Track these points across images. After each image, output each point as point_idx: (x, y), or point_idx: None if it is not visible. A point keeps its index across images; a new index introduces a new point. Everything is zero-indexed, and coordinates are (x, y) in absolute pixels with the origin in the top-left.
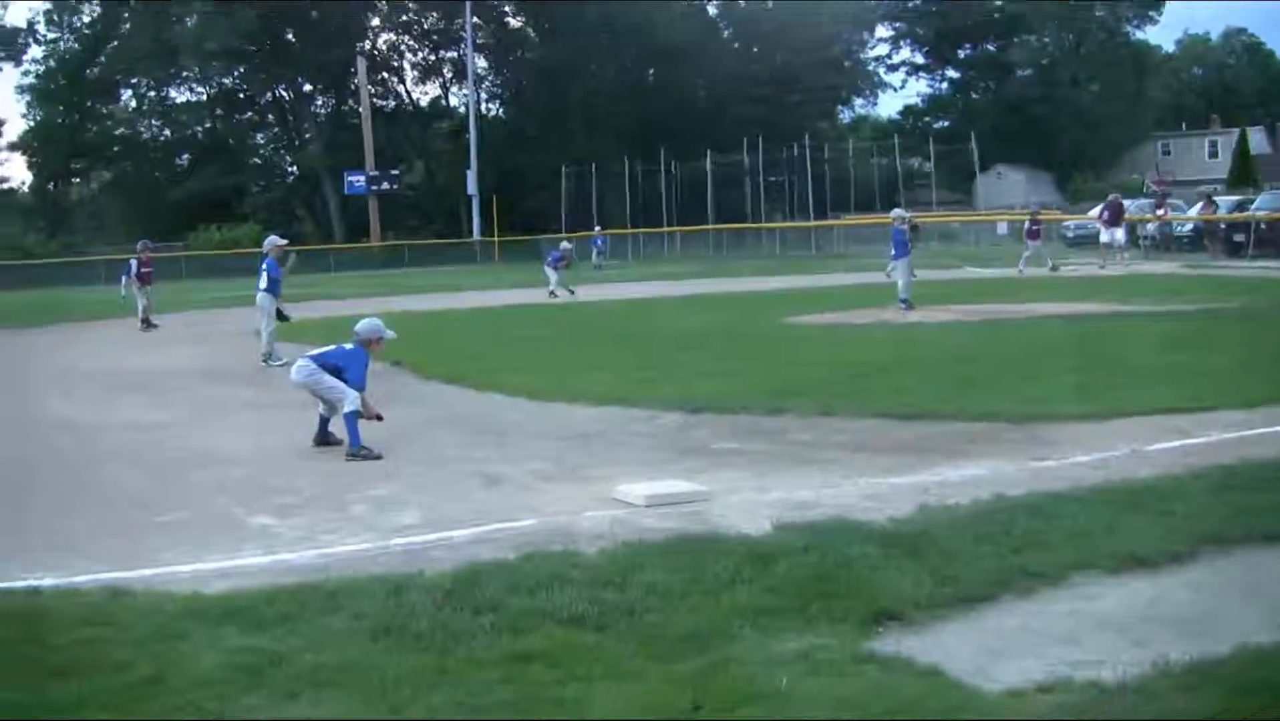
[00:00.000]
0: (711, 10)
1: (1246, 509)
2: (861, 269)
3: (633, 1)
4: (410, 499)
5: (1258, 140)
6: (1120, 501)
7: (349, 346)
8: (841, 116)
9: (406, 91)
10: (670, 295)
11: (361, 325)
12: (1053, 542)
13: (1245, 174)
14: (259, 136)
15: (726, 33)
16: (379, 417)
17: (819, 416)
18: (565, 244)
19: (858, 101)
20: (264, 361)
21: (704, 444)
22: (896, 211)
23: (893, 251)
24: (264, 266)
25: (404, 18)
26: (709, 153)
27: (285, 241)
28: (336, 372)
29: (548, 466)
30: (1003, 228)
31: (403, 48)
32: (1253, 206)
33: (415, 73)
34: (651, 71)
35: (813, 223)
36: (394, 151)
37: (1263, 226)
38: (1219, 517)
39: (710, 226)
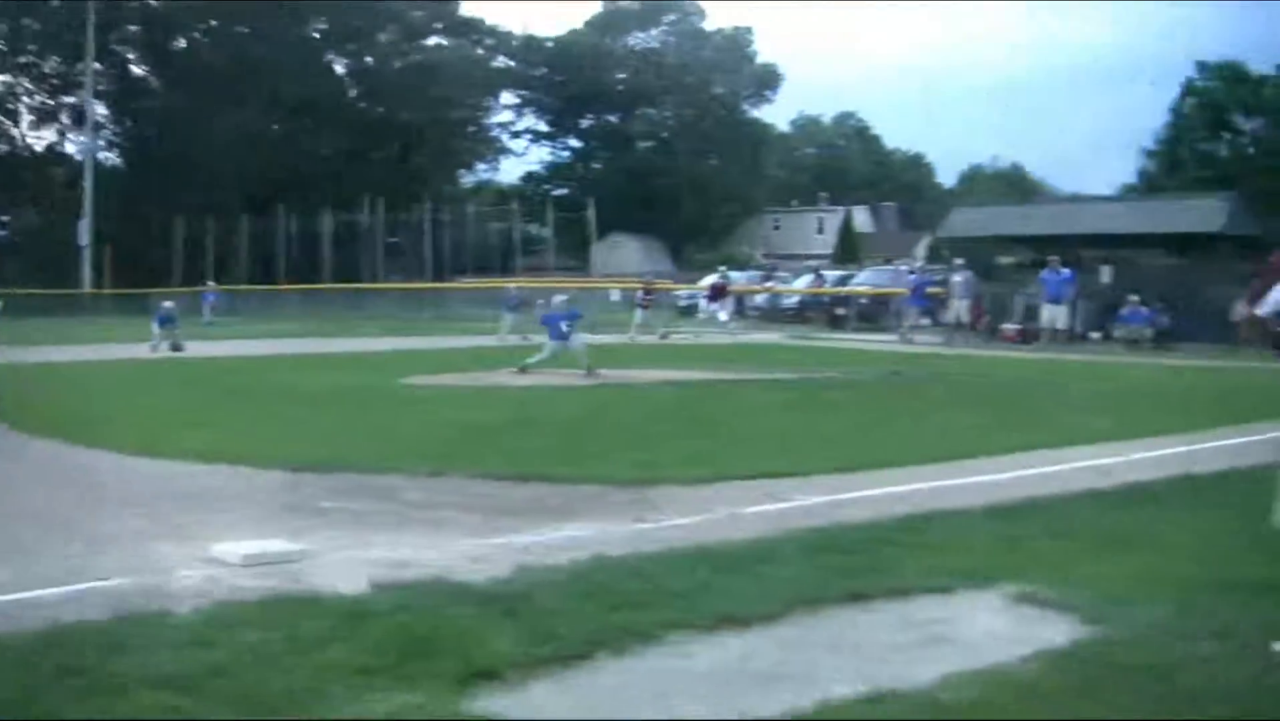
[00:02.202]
0: (339, 69)
1: (836, 569)
2: (479, 332)
3: (258, 54)
4: None
5: (862, 219)
6: (717, 562)
7: None
8: (464, 180)
9: (21, 135)
10: (284, 353)
11: None
12: (650, 602)
13: (849, 250)
14: None
15: (354, 91)
16: None
17: (429, 476)
18: (166, 303)
19: (480, 166)
20: None
21: (310, 502)
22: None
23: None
24: None
25: (22, 60)
26: (330, 210)
27: None
28: None
29: (147, 524)
30: (616, 295)
31: (19, 90)
32: (854, 282)
33: (32, 116)
34: (276, 126)
35: (431, 284)
36: (5, 197)
37: (863, 301)
38: (809, 578)
39: (328, 285)
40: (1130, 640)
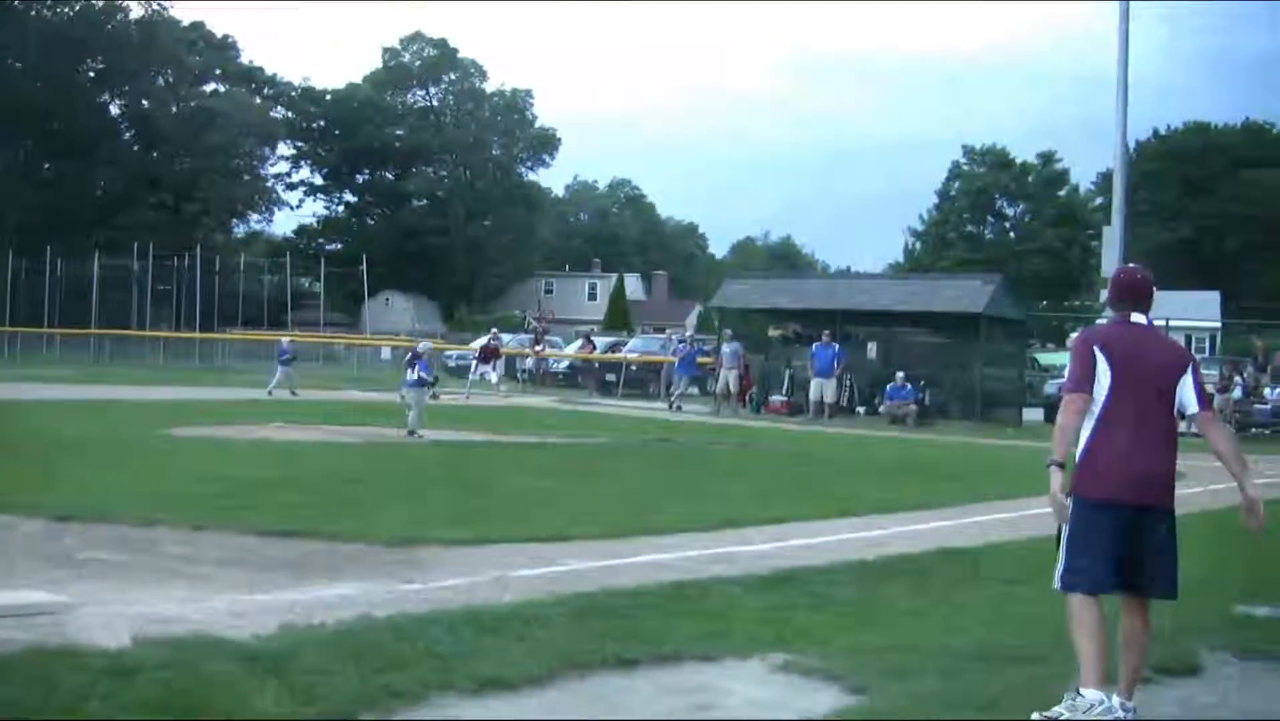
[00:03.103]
0: (114, 110)
1: (605, 635)
2: (246, 384)
3: (29, 91)
4: None
5: (633, 286)
6: (483, 625)
7: None
8: (236, 230)
9: None
10: (47, 398)
11: None
12: (415, 663)
13: (620, 317)
14: None
15: (128, 134)
16: None
17: (192, 530)
18: None
19: (254, 217)
20: None
21: (69, 553)
22: (424, 345)
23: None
24: None
25: None
26: (97, 254)
27: None
28: None
29: None
30: (386, 353)
31: None
32: (625, 349)
33: None
34: (47, 165)
35: (199, 334)
36: None
37: (633, 368)
38: (578, 643)
39: (94, 330)
40: (893, 710)
